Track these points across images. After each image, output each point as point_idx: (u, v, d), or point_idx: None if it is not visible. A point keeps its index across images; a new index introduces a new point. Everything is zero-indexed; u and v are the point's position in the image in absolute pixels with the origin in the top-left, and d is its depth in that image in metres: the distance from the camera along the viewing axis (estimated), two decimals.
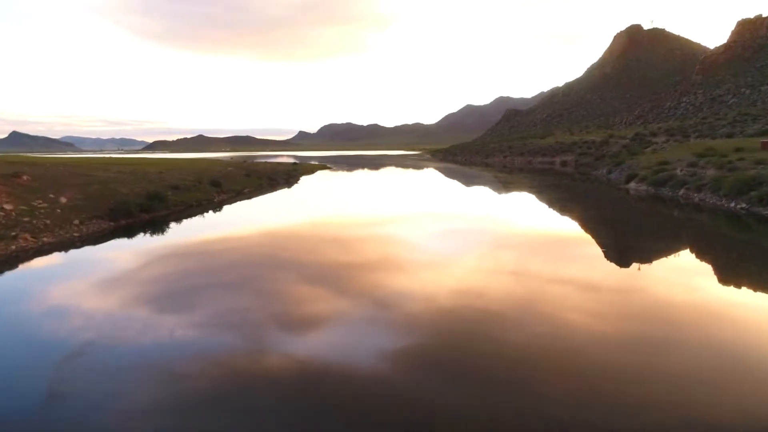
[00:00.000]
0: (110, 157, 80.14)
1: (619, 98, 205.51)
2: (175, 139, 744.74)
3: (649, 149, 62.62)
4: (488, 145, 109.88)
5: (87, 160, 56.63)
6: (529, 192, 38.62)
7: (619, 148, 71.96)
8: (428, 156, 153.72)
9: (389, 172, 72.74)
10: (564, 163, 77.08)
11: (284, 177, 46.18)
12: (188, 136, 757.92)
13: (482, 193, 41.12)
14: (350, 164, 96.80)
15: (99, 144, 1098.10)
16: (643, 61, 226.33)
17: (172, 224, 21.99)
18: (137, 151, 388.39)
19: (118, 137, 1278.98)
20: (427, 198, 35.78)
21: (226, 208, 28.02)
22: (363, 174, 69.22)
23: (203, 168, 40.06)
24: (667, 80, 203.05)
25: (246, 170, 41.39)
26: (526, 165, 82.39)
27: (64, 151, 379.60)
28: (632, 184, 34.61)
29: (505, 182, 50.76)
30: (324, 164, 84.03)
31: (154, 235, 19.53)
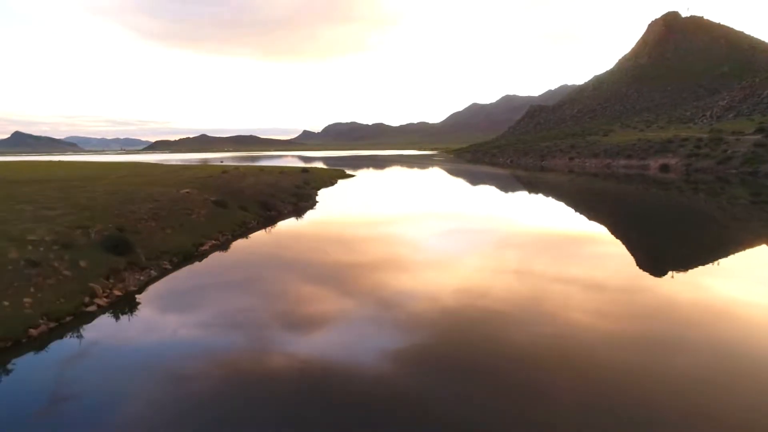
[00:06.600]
0: (59, 161, 61.44)
1: (660, 91, 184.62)
2: (177, 138, 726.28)
3: None
4: (538, 144, 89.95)
5: None
6: None
7: (748, 147, 52.62)
8: (452, 156, 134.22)
9: (449, 181, 52.98)
10: (665, 168, 57.22)
11: (291, 198, 26.87)
12: (191, 136, 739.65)
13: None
14: (365, 166, 78.22)
15: (103, 144, 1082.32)
16: (683, 50, 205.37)
17: None
18: (139, 152, 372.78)
19: (122, 137, 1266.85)
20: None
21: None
22: (407, 186, 49.49)
23: (130, 189, 20.39)
24: (714, 71, 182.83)
25: (219, 192, 21.85)
26: (603, 170, 62.68)
27: (65, 152, 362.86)
28: None
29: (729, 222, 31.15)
30: (339, 168, 64.55)
31: None
